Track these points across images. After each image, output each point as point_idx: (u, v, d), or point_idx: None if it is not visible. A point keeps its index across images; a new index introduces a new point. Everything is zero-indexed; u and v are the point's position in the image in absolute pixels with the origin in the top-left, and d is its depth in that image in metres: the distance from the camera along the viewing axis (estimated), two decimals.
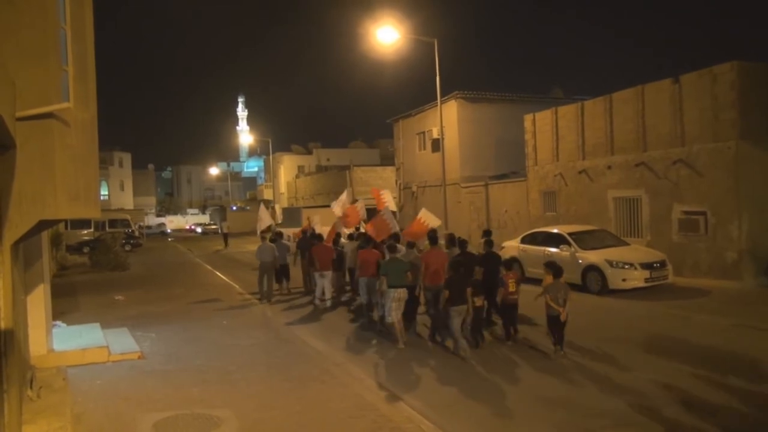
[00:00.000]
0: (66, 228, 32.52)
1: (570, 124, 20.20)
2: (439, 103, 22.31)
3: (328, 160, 63.15)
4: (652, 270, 13.74)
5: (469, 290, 9.09)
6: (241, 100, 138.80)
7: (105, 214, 39.96)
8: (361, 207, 17.98)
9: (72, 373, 8.41)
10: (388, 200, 16.44)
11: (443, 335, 9.84)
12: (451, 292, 8.93)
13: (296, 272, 16.68)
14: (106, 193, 70.48)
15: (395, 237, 12.95)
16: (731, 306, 12.30)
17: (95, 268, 24.62)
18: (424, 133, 29.64)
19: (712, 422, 6.11)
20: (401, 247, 11.87)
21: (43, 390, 7.31)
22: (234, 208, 67.53)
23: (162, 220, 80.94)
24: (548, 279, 9.12)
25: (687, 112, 16.00)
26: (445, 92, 25.25)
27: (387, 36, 20.64)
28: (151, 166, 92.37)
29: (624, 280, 13.57)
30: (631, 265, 13.65)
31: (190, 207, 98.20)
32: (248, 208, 65.21)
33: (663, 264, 14.09)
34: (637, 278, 13.57)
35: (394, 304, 9.64)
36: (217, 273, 22.03)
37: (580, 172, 19.67)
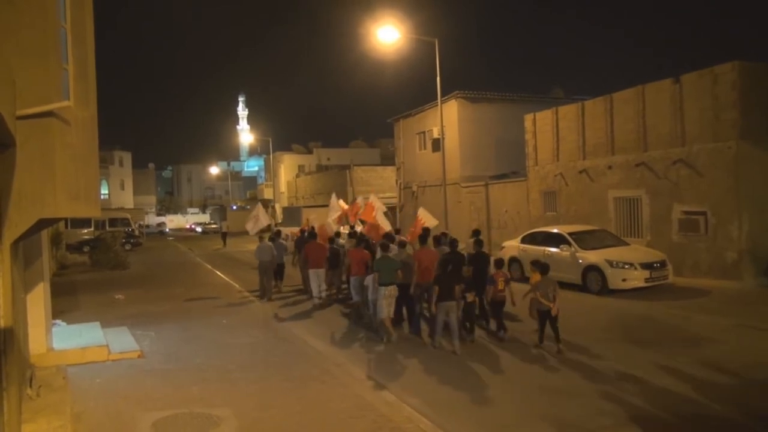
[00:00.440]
0: (66, 227, 32.50)
1: (570, 124, 20.19)
2: (439, 103, 22.30)
3: (328, 159, 63.16)
4: (652, 270, 13.74)
5: (457, 287, 9.43)
6: (241, 99, 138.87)
7: (105, 213, 39.93)
8: (361, 202, 18.03)
9: (72, 372, 8.41)
10: (377, 207, 16.33)
11: (431, 330, 10.11)
12: (439, 289, 9.23)
13: (295, 271, 16.82)
14: (107, 192, 70.50)
15: (389, 236, 13.02)
16: (731, 306, 12.30)
17: (95, 267, 24.62)
18: (424, 132, 29.64)
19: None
20: (393, 246, 11.92)
21: (42, 389, 7.31)
22: (234, 207, 67.55)
23: (162, 219, 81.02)
24: (536, 277, 9.51)
25: (687, 112, 15.99)
26: (446, 92, 25.26)
27: (387, 36, 20.63)
28: (151, 165, 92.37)
29: (624, 280, 13.57)
30: (631, 265, 13.65)
31: (191, 206, 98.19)
32: (248, 207, 65.16)
33: (663, 264, 14.08)
34: (637, 278, 13.56)
35: (384, 301, 9.97)
36: (217, 272, 22.04)
37: (580, 172, 19.66)
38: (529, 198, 22.26)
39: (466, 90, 26.62)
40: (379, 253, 11.06)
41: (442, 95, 22.56)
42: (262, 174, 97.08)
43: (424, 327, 10.78)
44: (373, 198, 16.94)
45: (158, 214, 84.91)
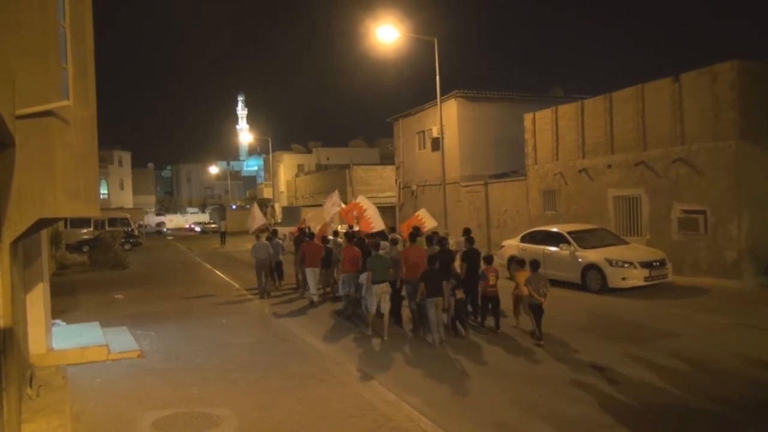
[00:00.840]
0: (65, 227, 32.46)
1: (570, 123, 20.19)
2: (438, 102, 22.30)
3: (327, 159, 63.09)
4: (651, 269, 13.75)
5: (445, 283, 9.84)
6: (240, 98, 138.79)
7: (104, 212, 39.88)
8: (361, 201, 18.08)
9: (71, 372, 8.41)
10: (366, 207, 16.51)
11: (423, 326, 10.33)
12: (426, 285, 9.58)
13: (292, 270, 17.12)
14: (106, 191, 70.43)
15: (381, 234, 13.52)
16: (731, 305, 12.31)
17: (95, 266, 24.61)
18: (424, 132, 29.64)
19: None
20: (385, 244, 12.37)
21: (42, 388, 7.31)
22: (234, 206, 67.51)
23: (162, 219, 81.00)
24: (524, 274, 10.14)
25: (687, 111, 15.99)
26: (445, 91, 25.25)
27: (387, 35, 20.62)
28: (150, 165, 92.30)
29: (623, 278, 13.58)
30: (631, 263, 13.66)
31: (190, 206, 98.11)
32: (248, 206, 65.08)
33: (662, 263, 14.10)
34: (636, 277, 13.57)
35: (376, 298, 10.37)
36: (217, 272, 22.04)
37: (580, 171, 19.66)
38: (529, 197, 22.26)
39: (465, 89, 26.61)
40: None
41: (442, 94, 22.56)
42: (262, 173, 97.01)
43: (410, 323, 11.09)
44: (360, 198, 17.06)
45: (158, 214, 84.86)
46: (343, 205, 18.57)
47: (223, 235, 41.57)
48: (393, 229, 16.38)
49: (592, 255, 14.24)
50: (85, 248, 30.87)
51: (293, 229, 22.69)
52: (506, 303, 10.96)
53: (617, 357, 8.58)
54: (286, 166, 62.24)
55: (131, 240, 36.99)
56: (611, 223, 18.10)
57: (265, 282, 15.63)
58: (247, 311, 13.73)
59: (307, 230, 17.42)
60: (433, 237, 12.45)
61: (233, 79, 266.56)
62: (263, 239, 16.20)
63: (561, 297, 13.72)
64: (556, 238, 15.43)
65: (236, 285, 17.98)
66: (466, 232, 13.11)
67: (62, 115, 5.48)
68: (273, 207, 55.49)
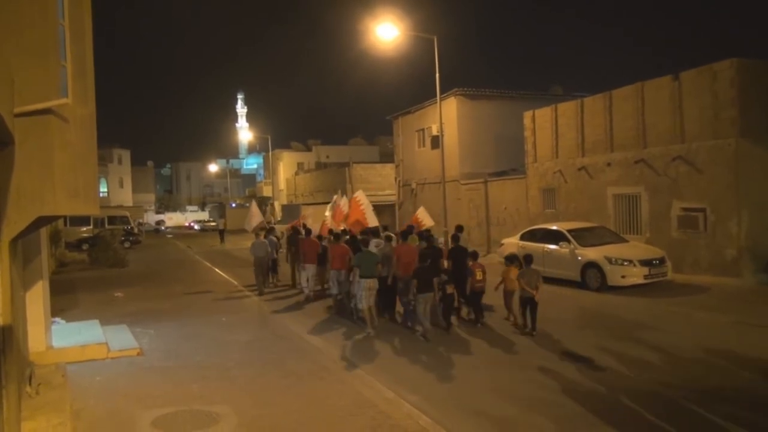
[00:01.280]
0: (65, 225, 32.41)
1: (570, 121, 20.19)
2: (438, 100, 22.28)
3: (327, 157, 63.02)
4: (651, 267, 13.76)
5: (436, 279, 10.22)
6: (240, 97, 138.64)
7: (104, 211, 39.81)
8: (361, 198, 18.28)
9: (71, 370, 8.42)
10: (364, 202, 16.93)
11: (413, 321, 10.71)
12: (418, 281, 9.96)
13: (286, 267, 17.36)
14: (105, 190, 70.35)
15: (373, 231, 13.92)
16: (730, 303, 12.32)
17: (94, 265, 24.60)
18: (423, 130, 29.62)
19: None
20: (378, 241, 12.66)
21: (42, 386, 7.32)
22: (233, 205, 67.54)
23: (161, 217, 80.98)
24: (512, 270, 10.79)
25: (687, 109, 15.99)
26: (445, 89, 25.23)
27: (387, 33, 20.60)
28: (150, 163, 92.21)
29: (623, 276, 13.59)
30: (630, 262, 13.67)
31: (190, 204, 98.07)
32: (247, 205, 65.04)
33: (662, 261, 14.11)
34: (636, 275, 13.59)
35: (365, 293, 10.56)
36: (216, 269, 22.05)
37: (579, 169, 19.66)
38: (528, 195, 22.26)
39: (465, 87, 26.58)
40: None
41: (442, 92, 22.53)
42: (261, 171, 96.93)
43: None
44: (359, 193, 17.36)
45: (157, 212, 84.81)
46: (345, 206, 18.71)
47: (222, 233, 41.64)
48: (385, 227, 16.54)
49: (592, 253, 14.24)
50: (85, 246, 30.85)
51: (286, 227, 22.85)
52: (493, 299, 11.45)
53: (609, 351, 8.61)
54: (286, 164, 62.18)
55: (131, 238, 36.98)
56: (611, 221, 18.10)
57: (263, 279, 15.95)
58: (246, 309, 13.75)
59: (303, 227, 17.56)
60: (422, 234, 12.80)
61: (233, 77, 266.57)
62: (261, 237, 16.49)
63: (560, 295, 13.76)
64: (555, 236, 15.44)
65: (235, 283, 18.01)
66: (458, 229, 13.43)
67: (61, 113, 5.47)
68: (272, 205, 55.49)
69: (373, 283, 10.66)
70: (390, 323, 11.50)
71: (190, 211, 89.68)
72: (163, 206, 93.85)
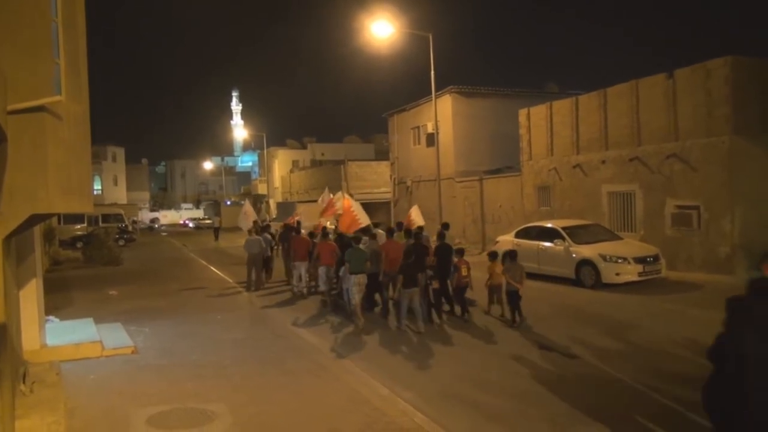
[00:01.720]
0: (59, 222, 32.34)
1: (564, 119, 20.22)
2: (433, 98, 22.28)
3: (322, 154, 62.96)
4: (645, 264, 13.82)
5: (420, 275, 10.60)
6: (235, 94, 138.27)
7: (98, 208, 39.69)
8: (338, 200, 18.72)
9: (65, 368, 8.38)
10: (354, 204, 17.34)
11: (397, 316, 11.00)
12: (403, 277, 10.30)
13: (280, 263, 17.54)
14: (100, 187, 70.05)
15: (365, 230, 14.18)
16: (723, 300, 12.34)
17: (88, 263, 24.51)
18: (418, 127, 29.61)
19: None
20: (366, 239, 12.90)
21: (36, 385, 7.29)
22: (228, 202, 67.39)
23: (156, 214, 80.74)
24: (496, 265, 11.27)
25: (681, 107, 16.04)
26: (442, 87, 25.22)
27: (382, 30, 20.57)
28: (144, 161, 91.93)
29: (617, 274, 13.64)
30: (625, 259, 13.71)
31: (184, 201, 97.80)
32: (243, 202, 64.97)
33: (656, 258, 14.16)
34: (630, 272, 13.63)
35: (355, 288, 10.97)
36: (211, 267, 22.01)
37: (574, 167, 19.71)
38: (524, 193, 22.30)
39: (460, 85, 26.58)
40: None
41: (437, 90, 22.53)
42: (256, 169, 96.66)
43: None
44: (346, 197, 17.69)
45: (152, 210, 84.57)
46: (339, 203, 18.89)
47: (217, 230, 41.56)
48: (377, 225, 17.05)
49: (586, 250, 14.29)
50: (79, 244, 30.74)
51: (280, 224, 23.08)
52: (475, 294, 12.04)
53: (605, 348, 8.65)
54: (281, 161, 62.10)
55: (125, 236, 36.87)
56: (605, 219, 18.16)
57: (256, 276, 16.09)
58: (241, 307, 13.74)
59: (296, 225, 17.69)
60: (410, 231, 13.10)
61: (227, 75, 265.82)
62: (254, 234, 16.71)
63: (554, 292, 13.82)
64: (550, 234, 15.47)
65: (230, 280, 18.00)
66: (444, 227, 13.75)
67: (55, 110, 5.45)
68: (267, 203, 55.40)
69: (362, 278, 11.07)
70: (380, 318, 11.74)
71: (185, 208, 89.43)
72: (157, 204, 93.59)
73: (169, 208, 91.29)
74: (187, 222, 71.32)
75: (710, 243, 15.27)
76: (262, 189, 66.95)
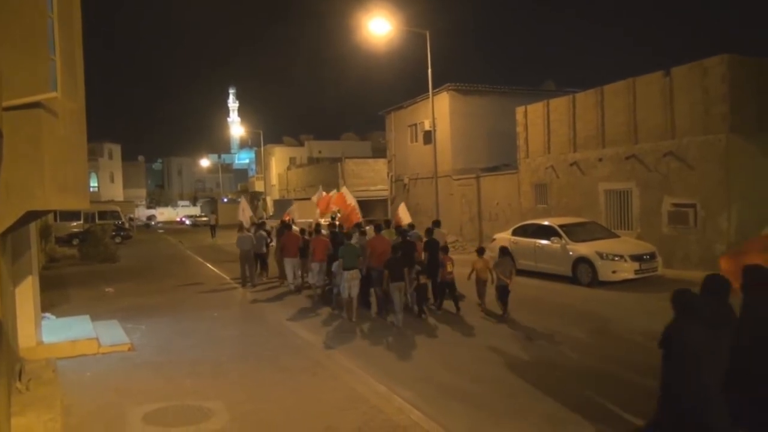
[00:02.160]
0: (55, 219, 32.25)
1: (562, 116, 20.24)
2: (431, 95, 22.28)
3: (319, 152, 62.99)
4: (641, 262, 13.84)
5: (408, 270, 10.91)
6: (231, 91, 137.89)
7: (95, 205, 39.56)
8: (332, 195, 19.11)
9: (61, 365, 8.36)
10: (352, 199, 18.06)
11: (386, 310, 11.34)
12: (390, 272, 10.61)
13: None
14: (96, 184, 69.89)
15: (357, 226, 14.68)
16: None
17: (85, 260, 24.47)
18: (416, 125, 29.60)
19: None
20: (356, 234, 13.27)
21: (32, 382, 7.27)
22: (225, 200, 67.31)
23: (153, 212, 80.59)
24: (480, 261, 11.71)
25: (678, 105, 16.06)
26: (438, 85, 25.23)
27: (379, 28, 20.56)
28: (141, 158, 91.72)
29: (614, 272, 13.66)
30: (621, 257, 13.74)
31: (181, 199, 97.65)
32: (239, 200, 64.83)
33: (653, 256, 14.19)
34: (626, 270, 13.65)
35: (347, 283, 11.26)
36: (208, 264, 21.99)
37: (571, 165, 19.73)
38: (521, 190, 22.32)
39: (457, 82, 26.58)
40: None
41: (434, 88, 22.53)
42: (253, 167, 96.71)
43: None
44: (344, 190, 18.14)
45: (148, 207, 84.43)
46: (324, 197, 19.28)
47: (214, 228, 41.58)
48: (370, 222, 17.31)
49: (583, 248, 14.31)
50: (75, 241, 30.71)
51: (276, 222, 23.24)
52: (464, 288, 12.26)
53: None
54: (278, 159, 62.06)
55: (121, 233, 36.79)
56: (602, 217, 18.19)
57: (249, 272, 16.29)
58: (238, 304, 13.74)
59: (291, 222, 17.92)
60: (399, 228, 13.58)
61: (224, 72, 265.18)
62: (246, 231, 17.06)
63: (550, 290, 13.84)
64: (547, 232, 15.49)
65: (226, 277, 18.01)
66: (434, 224, 14.34)
67: (50, 106, 5.43)
68: (264, 200, 55.37)
69: (354, 273, 11.35)
70: (373, 314, 11.94)
71: (182, 206, 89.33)
72: (154, 201, 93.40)
73: (165, 205, 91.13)
74: (183, 219, 71.24)
75: (707, 241, 15.31)
76: (259, 186, 66.90)
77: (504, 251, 11.55)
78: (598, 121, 18.63)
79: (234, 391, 7.24)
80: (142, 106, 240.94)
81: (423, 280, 11.53)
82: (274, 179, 60.21)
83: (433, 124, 23.15)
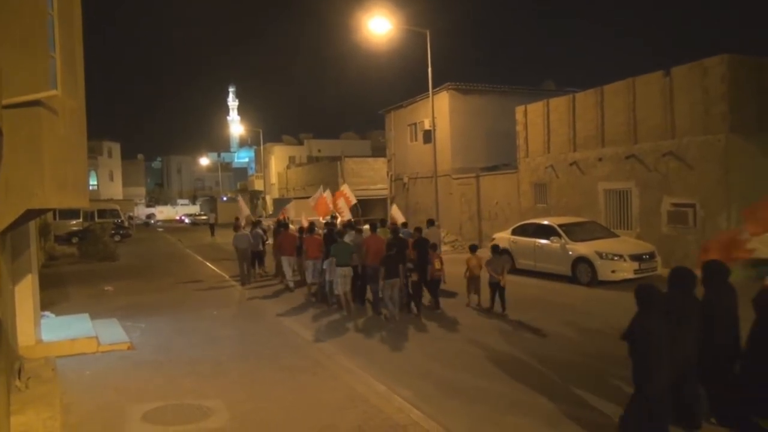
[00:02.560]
0: (54, 218, 32.24)
1: (561, 116, 20.23)
2: (430, 94, 22.26)
3: (319, 151, 62.97)
4: (641, 261, 13.84)
5: (401, 267, 11.23)
6: (231, 90, 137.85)
7: (94, 204, 39.54)
8: (328, 195, 19.33)
9: (61, 364, 8.36)
10: (347, 195, 18.43)
11: (380, 306, 11.58)
12: (386, 269, 10.98)
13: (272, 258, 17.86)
14: (95, 183, 69.85)
15: (349, 224, 15.01)
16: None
17: (84, 258, 24.45)
18: (415, 124, 29.59)
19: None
20: (352, 233, 13.60)
21: (31, 380, 7.27)
22: (224, 198, 67.26)
23: (152, 210, 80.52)
24: (472, 258, 11.83)
25: (677, 105, 16.06)
26: (438, 84, 25.21)
27: (379, 27, 20.54)
28: (140, 156, 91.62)
29: (613, 271, 13.66)
30: (621, 256, 13.74)
31: (180, 197, 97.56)
32: (238, 198, 64.78)
33: (652, 256, 14.19)
34: (626, 270, 13.65)
35: (340, 280, 11.73)
36: (207, 263, 21.97)
37: (571, 164, 19.73)
38: (520, 190, 22.31)
39: (457, 81, 26.55)
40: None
41: (434, 87, 22.51)
42: (253, 165, 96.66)
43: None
44: (344, 187, 18.55)
45: (148, 206, 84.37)
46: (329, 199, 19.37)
47: (213, 226, 41.56)
48: (358, 221, 17.83)
49: (583, 248, 14.31)
50: (75, 240, 30.66)
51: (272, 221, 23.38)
52: (456, 285, 12.67)
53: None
54: (278, 157, 62.03)
55: (121, 231, 36.76)
56: (602, 217, 18.19)
57: (247, 270, 16.52)
58: (237, 302, 13.75)
59: (287, 221, 18.05)
60: (392, 227, 13.88)
61: (224, 71, 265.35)
62: (243, 230, 17.18)
63: (549, 289, 13.85)
64: (547, 231, 15.48)
65: (225, 275, 18.03)
66: (429, 222, 15.09)
67: (50, 105, 5.42)
68: (264, 199, 55.34)
69: (347, 270, 11.83)
70: (368, 309, 12.18)
71: (181, 204, 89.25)
72: (153, 200, 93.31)
73: (165, 203, 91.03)
74: (183, 218, 71.19)
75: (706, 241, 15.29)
76: (258, 185, 66.92)
77: (496, 249, 11.88)
78: (597, 121, 18.62)
79: (234, 390, 7.23)
80: (141, 105, 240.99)
81: (414, 277, 11.81)
82: (273, 178, 60.19)
83: (433, 124, 23.13)
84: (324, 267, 12.84)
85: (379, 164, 39.46)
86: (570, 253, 14.49)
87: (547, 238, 15.27)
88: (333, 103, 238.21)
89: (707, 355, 5.62)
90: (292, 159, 61.98)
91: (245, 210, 20.72)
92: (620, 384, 6.90)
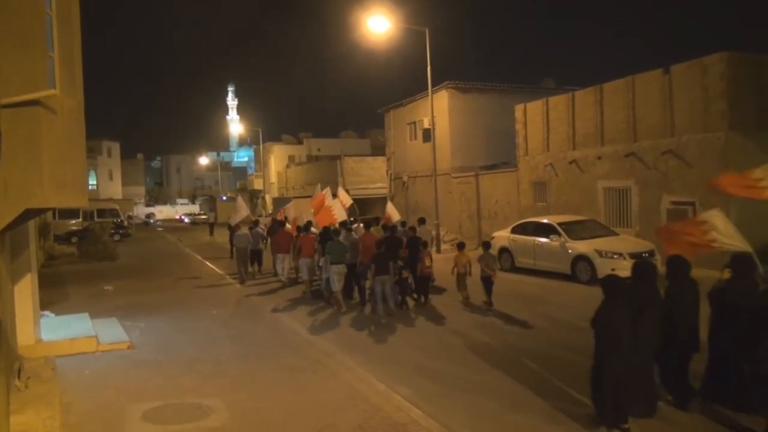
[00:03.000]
0: (54, 217, 32.19)
1: (561, 114, 20.22)
2: (430, 93, 22.26)
3: (318, 150, 62.89)
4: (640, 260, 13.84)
5: (392, 264, 11.51)
6: (230, 89, 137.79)
7: (93, 203, 39.53)
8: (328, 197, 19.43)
9: (60, 363, 8.36)
10: (342, 198, 18.44)
11: (372, 302, 11.82)
12: (376, 266, 11.31)
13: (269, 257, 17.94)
14: (95, 182, 69.81)
15: (343, 224, 15.31)
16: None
17: (83, 258, 24.43)
18: (415, 123, 29.56)
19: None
20: (345, 233, 13.91)
21: (31, 380, 7.27)
22: (224, 198, 67.24)
23: (151, 209, 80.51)
24: (461, 255, 12.07)
25: (677, 103, 16.05)
26: (437, 82, 25.19)
27: (378, 25, 20.54)
28: (140, 156, 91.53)
29: (613, 269, 13.58)
30: (620, 254, 13.74)
31: (180, 197, 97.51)
32: (237, 197, 64.72)
33: (651, 254, 14.18)
34: (625, 268, 13.56)
35: (336, 277, 12.09)
36: (207, 262, 21.97)
37: (570, 163, 19.72)
38: (520, 188, 22.31)
39: (456, 80, 26.53)
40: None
41: (434, 85, 22.50)
42: (252, 164, 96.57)
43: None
44: (340, 192, 18.74)
45: (147, 205, 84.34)
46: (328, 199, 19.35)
47: (212, 226, 41.52)
48: (353, 221, 17.95)
49: (582, 246, 14.31)
50: (74, 239, 30.63)
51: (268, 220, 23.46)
52: (446, 282, 13.12)
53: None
54: (277, 157, 61.98)
55: (120, 231, 36.73)
56: (601, 215, 18.18)
57: (245, 269, 16.75)
58: (236, 301, 13.74)
59: (284, 220, 18.26)
60: (387, 226, 14.27)
61: (223, 70, 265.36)
62: (244, 230, 17.33)
63: (549, 287, 13.86)
64: (546, 230, 15.49)
65: (224, 274, 18.03)
66: (420, 221, 15.61)
67: (49, 104, 5.42)
68: (264, 198, 55.33)
69: (341, 268, 12.17)
70: (366, 310, 12.20)
71: (181, 204, 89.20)
72: (153, 199, 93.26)
73: (164, 203, 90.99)
74: (182, 217, 71.18)
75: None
76: (258, 184, 66.84)
77: (486, 245, 12.28)
78: (597, 119, 18.61)
79: (234, 389, 7.23)
80: (141, 104, 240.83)
81: (405, 274, 12.31)
82: (273, 177, 60.15)
83: (432, 122, 23.13)
84: (320, 265, 13.21)
85: (379, 163, 39.42)
86: (570, 251, 14.50)
87: (547, 237, 15.28)
88: (332, 103, 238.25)
89: (670, 350, 6.07)
90: (291, 158, 61.91)
91: (243, 211, 20.68)
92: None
